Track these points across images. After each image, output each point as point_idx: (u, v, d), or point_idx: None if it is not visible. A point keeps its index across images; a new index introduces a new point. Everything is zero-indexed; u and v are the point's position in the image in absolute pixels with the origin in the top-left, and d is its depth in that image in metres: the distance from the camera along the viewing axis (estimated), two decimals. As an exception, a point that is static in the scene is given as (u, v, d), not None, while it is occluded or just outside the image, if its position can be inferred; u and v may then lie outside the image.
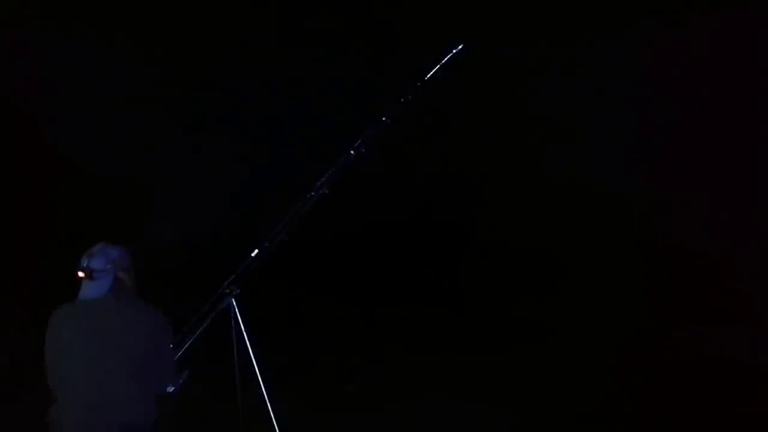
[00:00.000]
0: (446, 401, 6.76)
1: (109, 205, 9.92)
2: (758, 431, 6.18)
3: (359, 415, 6.46)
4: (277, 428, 4.58)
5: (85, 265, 3.74)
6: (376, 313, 9.29)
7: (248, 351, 4.50)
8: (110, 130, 10.28)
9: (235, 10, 10.29)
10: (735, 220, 9.18)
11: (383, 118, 4.66)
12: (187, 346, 4.42)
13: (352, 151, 4.66)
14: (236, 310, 4.52)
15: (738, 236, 9.08)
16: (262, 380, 4.53)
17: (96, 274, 3.72)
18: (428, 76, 4.62)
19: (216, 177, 9.82)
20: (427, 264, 10.42)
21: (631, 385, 7.14)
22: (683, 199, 9.51)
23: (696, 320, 8.36)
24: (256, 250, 4.58)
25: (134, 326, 3.74)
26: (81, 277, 3.73)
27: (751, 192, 9.25)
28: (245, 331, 4.50)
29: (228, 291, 4.53)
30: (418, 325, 9.02)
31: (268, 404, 4.56)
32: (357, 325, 8.99)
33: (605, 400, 6.71)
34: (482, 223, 10.45)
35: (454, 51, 4.63)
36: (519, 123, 10.35)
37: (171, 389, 4.21)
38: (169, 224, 9.30)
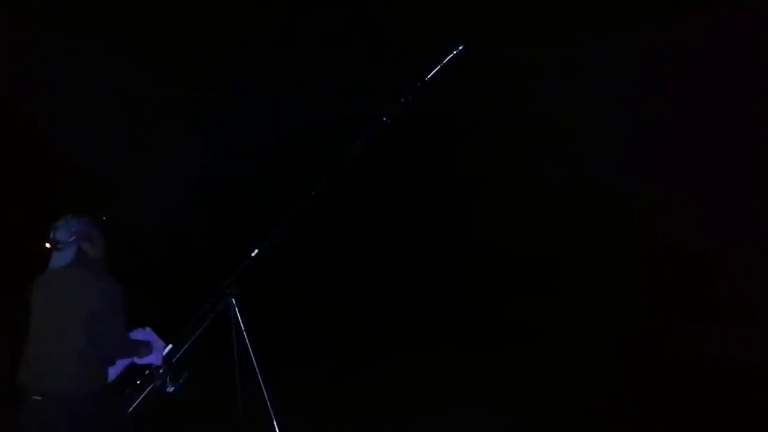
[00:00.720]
0: (446, 401, 6.77)
1: (107, 204, 9.92)
2: (758, 431, 6.18)
3: (359, 415, 6.47)
4: (277, 428, 4.58)
5: (51, 236, 3.94)
6: (376, 313, 9.30)
7: (248, 351, 4.50)
8: (109, 129, 10.29)
9: (234, 10, 10.29)
10: (734, 221, 9.18)
11: (383, 118, 4.65)
12: (187, 346, 4.42)
13: (352, 151, 4.65)
14: (236, 310, 4.52)
15: (737, 236, 9.08)
16: (262, 380, 4.53)
17: (61, 245, 3.91)
18: (429, 76, 4.61)
19: (216, 177, 9.83)
20: (427, 264, 10.43)
21: (631, 384, 7.14)
22: (683, 200, 9.51)
23: (696, 320, 8.36)
24: (256, 250, 4.58)
25: (85, 293, 3.86)
26: (48, 248, 3.93)
27: (749, 193, 9.24)
28: (245, 331, 4.51)
29: (228, 291, 4.53)
30: (419, 325, 9.03)
31: (268, 404, 4.56)
32: (357, 325, 9.00)
33: (605, 399, 6.72)
34: (482, 223, 10.45)
35: (455, 51, 4.63)
36: (518, 123, 10.35)
37: (171, 389, 4.22)
38: (168, 224, 9.30)
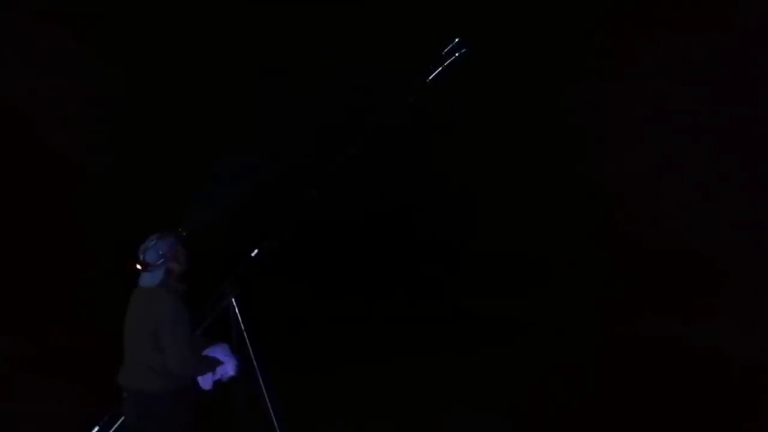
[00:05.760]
0: (447, 401, 6.78)
1: (108, 203, 9.94)
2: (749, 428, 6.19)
3: (358, 415, 6.48)
4: (277, 428, 4.59)
5: (141, 258, 4.22)
6: (375, 313, 9.31)
7: (248, 351, 4.52)
8: (111, 129, 10.30)
9: (235, 10, 10.30)
10: (727, 220, 9.20)
11: (384, 118, 4.66)
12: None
13: (351, 152, 4.66)
14: (236, 309, 4.54)
15: (728, 236, 9.10)
16: (261, 379, 4.54)
17: (150, 267, 4.20)
18: (430, 78, 4.62)
19: (216, 177, 9.84)
20: (426, 264, 10.44)
21: (630, 384, 7.17)
22: (672, 198, 9.55)
23: (683, 318, 8.41)
24: (256, 250, 4.60)
25: (157, 313, 4.17)
26: (138, 269, 4.25)
27: (738, 195, 9.26)
28: (245, 330, 4.52)
29: (228, 291, 4.55)
30: (418, 325, 9.04)
31: (268, 404, 4.57)
32: (357, 325, 9.01)
33: (599, 399, 6.74)
34: (481, 224, 10.47)
35: (456, 52, 4.64)
36: (517, 125, 10.37)
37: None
38: (168, 224, 9.30)
